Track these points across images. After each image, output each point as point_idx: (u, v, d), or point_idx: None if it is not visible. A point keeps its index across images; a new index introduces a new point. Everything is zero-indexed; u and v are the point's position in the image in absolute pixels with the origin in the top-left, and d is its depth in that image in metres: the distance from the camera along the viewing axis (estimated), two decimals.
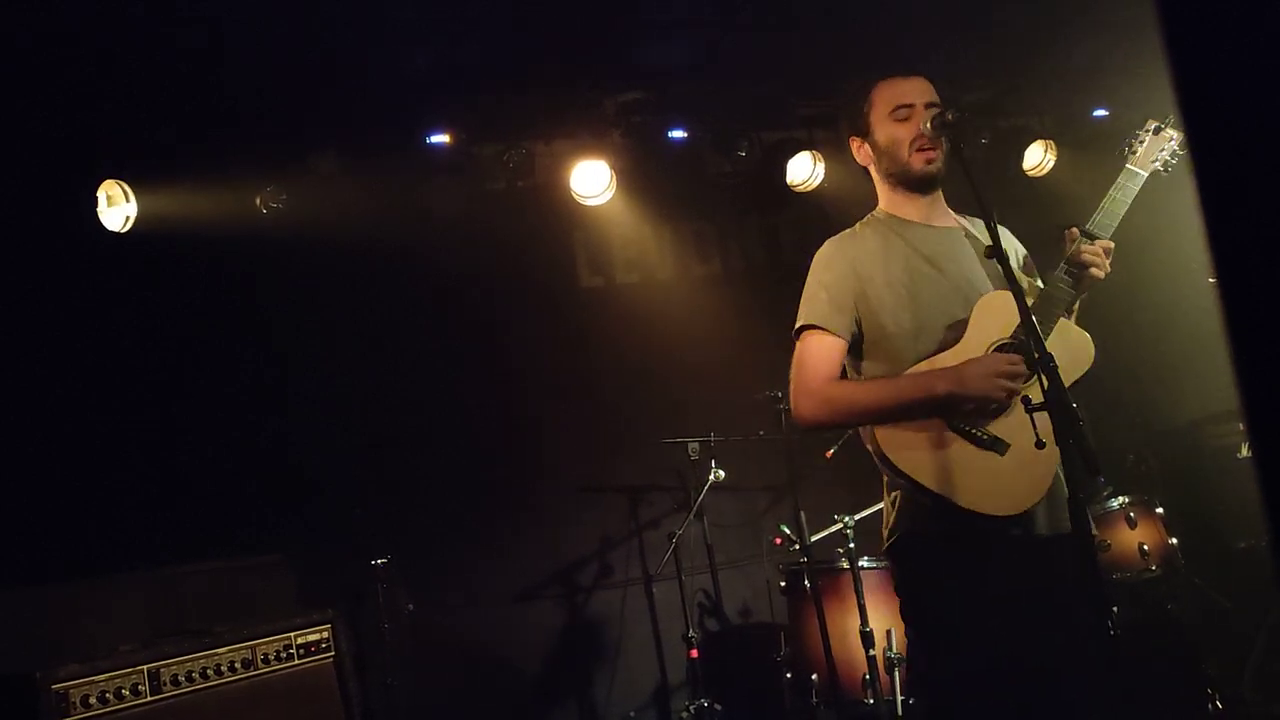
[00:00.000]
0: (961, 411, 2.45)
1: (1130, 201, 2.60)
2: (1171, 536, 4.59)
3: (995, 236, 2.32)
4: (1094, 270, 2.53)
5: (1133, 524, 4.55)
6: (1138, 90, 5.16)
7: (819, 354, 2.61)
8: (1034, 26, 4.98)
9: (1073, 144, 5.85)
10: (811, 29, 4.73)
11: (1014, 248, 2.77)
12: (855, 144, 2.77)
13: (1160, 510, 4.63)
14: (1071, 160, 5.84)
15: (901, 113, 2.64)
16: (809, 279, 2.71)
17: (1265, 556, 4.92)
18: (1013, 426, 2.44)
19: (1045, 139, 5.86)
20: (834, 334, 2.61)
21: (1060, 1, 4.75)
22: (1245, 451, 5.20)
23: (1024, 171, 5.88)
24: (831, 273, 2.66)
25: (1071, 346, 2.53)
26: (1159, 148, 2.66)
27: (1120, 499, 4.62)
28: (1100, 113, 5.92)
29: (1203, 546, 4.93)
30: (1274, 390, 0.71)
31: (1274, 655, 4.42)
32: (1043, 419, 2.17)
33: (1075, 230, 2.56)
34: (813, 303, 2.65)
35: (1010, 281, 2.27)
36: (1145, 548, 4.50)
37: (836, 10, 4.59)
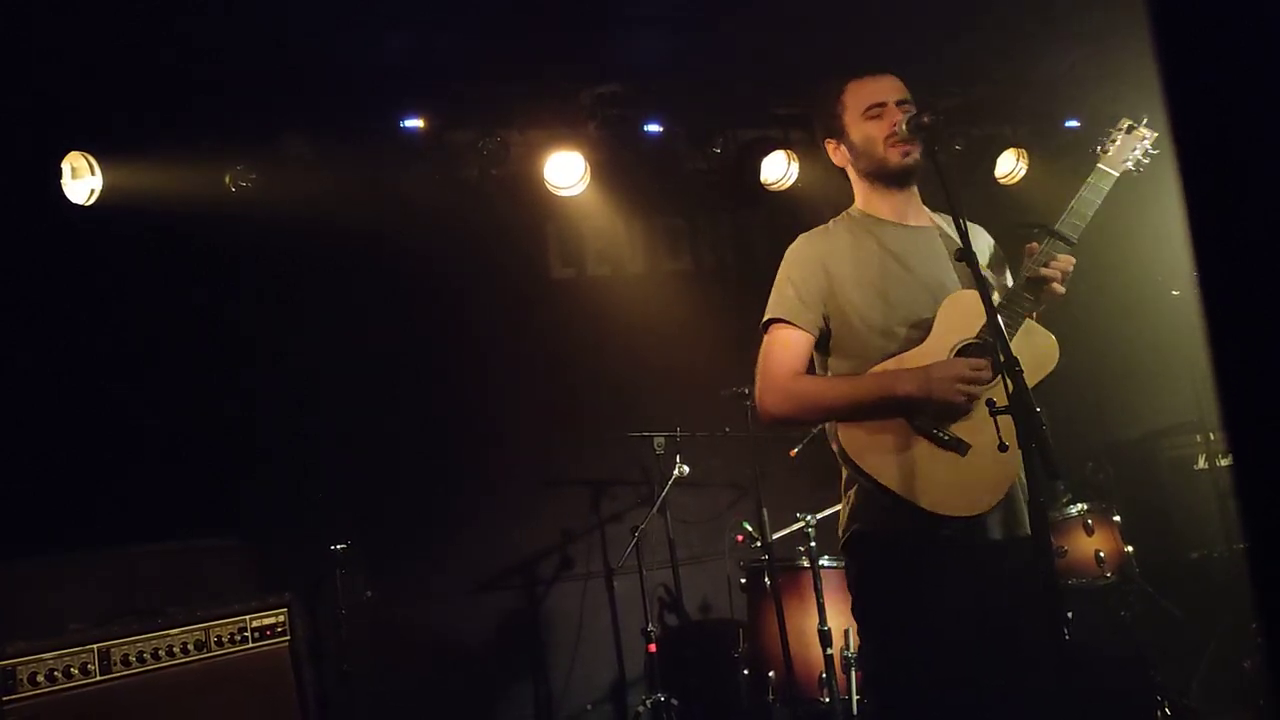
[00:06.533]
0: (924, 413, 2.46)
1: (1100, 202, 2.61)
2: (1127, 545, 4.65)
3: (966, 241, 2.31)
4: (1053, 286, 2.54)
5: (1090, 531, 4.59)
6: (1111, 101, 5.21)
7: (785, 348, 2.63)
8: (1009, 35, 5.01)
9: (1045, 153, 5.88)
10: (789, 29, 4.73)
11: (984, 245, 2.78)
12: (831, 146, 2.79)
13: (1118, 518, 4.68)
14: (1043, 169, 5.87)
15: (874, 111, 2.66)
16: (779, 274, 2.73)
17: (1218, 567, 5.00)
18: (975, 428, 2.44)
19: (1018, 147, 5.90)
20: (800, 329, 2.62)
21: (1036, 11, 4.79)
22: (1202, 463, 5.28)
23: (996, 179, 5.92)
24: (801, 268, 2.68)
25: (1036, 347, 2.54)
26: (1131, 147, 2.67)
27: (1079, 506, 4.66)
28: (1073, 123, 5.97)
29: (1157, 555, 4.99)
30: (1253, 395, 0.71)
31: (1223, 665, 4.49)
32: (1006, 421, 2.18)
33: (1035, 246, 2.57)
34: (781, 297, 2.67)
35: (978, 283, 2.28)
36: (1101, 555, 4.55)
37: (815, 12, 4.59)
